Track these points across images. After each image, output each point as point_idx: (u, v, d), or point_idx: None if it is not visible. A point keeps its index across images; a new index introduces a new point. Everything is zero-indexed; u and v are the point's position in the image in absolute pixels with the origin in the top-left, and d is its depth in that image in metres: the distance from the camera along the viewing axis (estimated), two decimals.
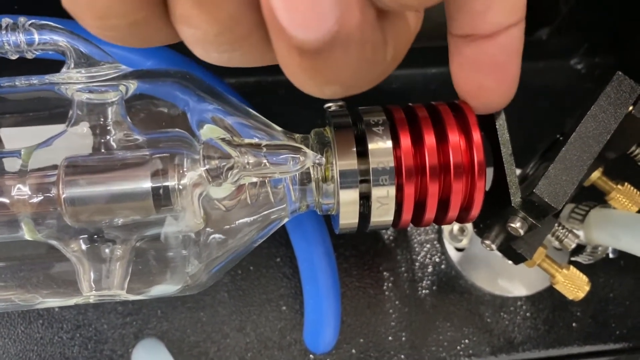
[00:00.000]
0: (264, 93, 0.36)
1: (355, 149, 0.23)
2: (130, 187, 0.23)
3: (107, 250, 0.24)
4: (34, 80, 0.26)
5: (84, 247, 0.24)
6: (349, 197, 0.23)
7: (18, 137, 0.27)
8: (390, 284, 0.34)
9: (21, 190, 0.23)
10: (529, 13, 0.44)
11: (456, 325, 0.34)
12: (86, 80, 0.25)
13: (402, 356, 0.33)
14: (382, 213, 0.23)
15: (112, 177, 0.23)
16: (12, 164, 0.24)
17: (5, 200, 0.22)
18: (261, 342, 0.33)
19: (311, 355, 0.33)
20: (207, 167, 0.21)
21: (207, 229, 0.23)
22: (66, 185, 0.22)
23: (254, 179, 0.22)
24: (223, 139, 0.21)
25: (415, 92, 0.38)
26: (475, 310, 0.34)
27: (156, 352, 0.31)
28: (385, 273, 0.34)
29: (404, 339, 0.34)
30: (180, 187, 0.22)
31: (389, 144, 0.23)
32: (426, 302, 0.34)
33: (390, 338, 0.34)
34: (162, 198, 0.23)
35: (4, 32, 0.26)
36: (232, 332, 0.33)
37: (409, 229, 0.36)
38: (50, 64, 0.27)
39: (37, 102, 0.26)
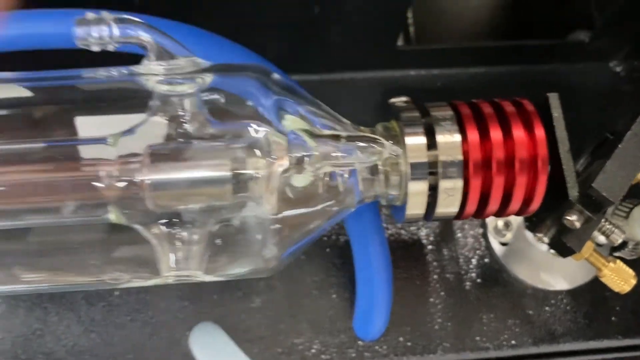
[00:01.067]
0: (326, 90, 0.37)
1: (425, 142, 0.24)
2: (210, 174, 0.24)
3: (185, 234, 0.25)
4: (114, 72, 0.27)
5: (164, 230, 0.25)
6: (418, 189, 0.24)
7: (93, 125, 0.29)
8: (435, 276, 0.36)
9: (109, 176, 0.24)
10: (563, 15, 0.45)
11: (499, 316, 0.35)
12: (165, 72, 0.26)
13: (447, 345, 0.35)
14: (448, 204, 0.25)
15: (193, 165, 0.24)
16: (99, 151, 0.25)
17: (96, 184, 0.24)
18: (312, 328, 0.34)
19: (360, 342, 0.34)
20: (288, 156, 0.23)
21: (282, 215, 0.25)
22: (150, 172, 0.24)
23: (331, 169, 0.24)
24: (305, 130, 0.23)
25: (458, 90, 0.40)
26: (518, 302, 0.35)
27: (214, 334, 0.32)
28: (431, 265, 0.36)
29: (449, 328, 0.35)
30: (258, 175, 0.24)
31: (457, 137, 0.24)
32: (471, 294, 0.35)
33: (436, 327, 0.35)
34: (240, 185, 0.24)
35: (88, 26, 0.27)
36: (284, 317, 0.34)
37: (454, 223, 0.37)
38: (130, 57, 0.28)
39: (114, 92, 0.28)
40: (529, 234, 0.34)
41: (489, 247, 0.36)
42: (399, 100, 0.26)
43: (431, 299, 0.35)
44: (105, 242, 0.26)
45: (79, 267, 0.27)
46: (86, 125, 0.29)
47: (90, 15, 0.27)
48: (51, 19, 0.28)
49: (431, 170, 0.24)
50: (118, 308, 0.34)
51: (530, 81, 0.40)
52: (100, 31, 0.27)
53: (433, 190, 0.24)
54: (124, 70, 0.27)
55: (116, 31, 0.26)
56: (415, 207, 0.25)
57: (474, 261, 0.36)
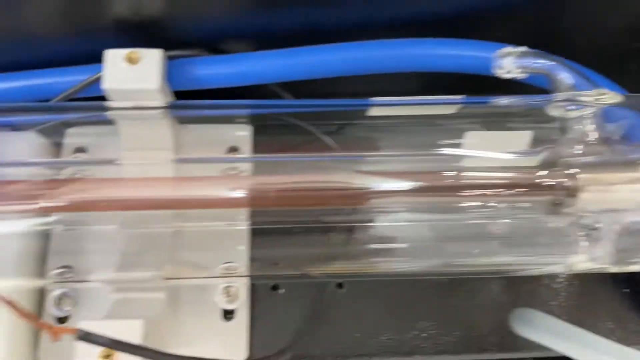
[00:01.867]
0: None
1: None
2: None
3: (598, 232, 0.31)
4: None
5: (582, 227, 0.31)
6: None
7: (478, 139, 0.35)
8: None
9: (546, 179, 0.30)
10: None
11: None
12: (567, 100, 0.32)
13: None
14: None
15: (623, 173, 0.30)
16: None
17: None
18: (607, 317, 0.40)
19: None
20: None
21: None
22: (582, 179, 0.30)
23: None
24: None
25: None
26: None
27: (536, 313, 0.38)
28: None
29: None
30: None
31: None
32: None
33: None
34: None
35: (507, 57, 0.32)
36: (579, 306, 0.40)
37: None
38: None
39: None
40: None
41: None
42: None
43: None
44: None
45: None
46: (474, 139, 0.35)
47: (511, 49, 0.33)
48: (474, 48, 0.34)
49: None
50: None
51: None
52: (518, 62, 0.32)
53: None
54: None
55: (532, 63, 0.32)
56: None
57: None
